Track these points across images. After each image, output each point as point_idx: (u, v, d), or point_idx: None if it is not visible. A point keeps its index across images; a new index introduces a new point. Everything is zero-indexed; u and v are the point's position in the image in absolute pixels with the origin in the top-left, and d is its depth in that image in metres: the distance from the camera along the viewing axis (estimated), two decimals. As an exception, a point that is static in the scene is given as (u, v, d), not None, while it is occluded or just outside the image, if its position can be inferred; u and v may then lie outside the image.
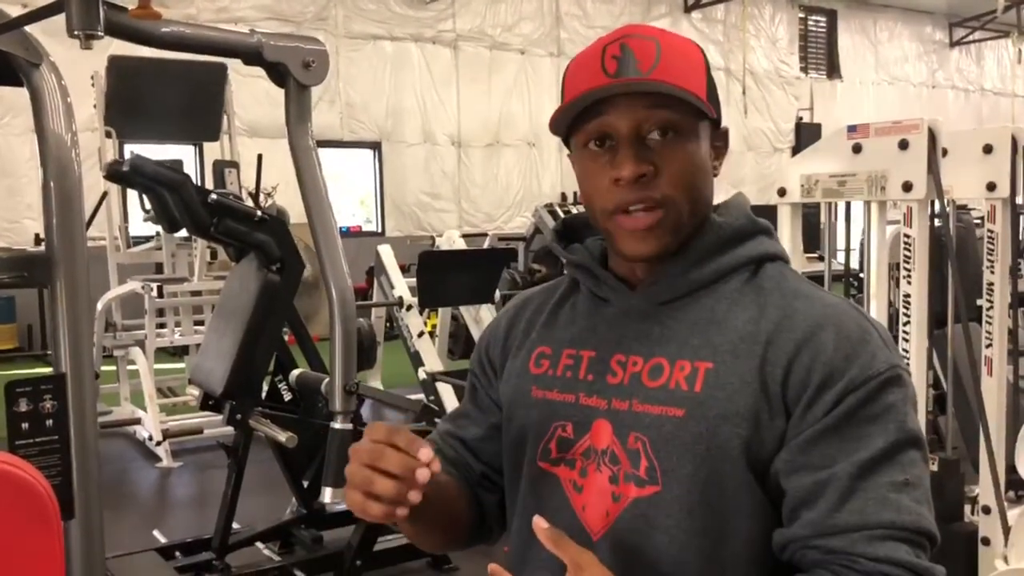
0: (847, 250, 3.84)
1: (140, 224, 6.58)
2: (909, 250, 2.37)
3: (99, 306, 5.76)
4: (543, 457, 1.07)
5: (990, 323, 2.69)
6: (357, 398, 2.17)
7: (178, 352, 7.05)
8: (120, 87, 6.01)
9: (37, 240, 8.34)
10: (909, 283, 2.38)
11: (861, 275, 3.22)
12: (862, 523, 0.93)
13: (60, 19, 1.73)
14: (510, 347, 1.16)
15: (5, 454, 1.09)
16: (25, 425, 1.60)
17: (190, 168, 8.77)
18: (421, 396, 5.38)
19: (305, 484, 3.60)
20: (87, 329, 1.74)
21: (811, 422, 0.96)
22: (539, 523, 0.93)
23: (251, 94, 8.37)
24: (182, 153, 8.15)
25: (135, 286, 5.82)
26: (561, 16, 12.68)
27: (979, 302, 2.79)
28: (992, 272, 2.69)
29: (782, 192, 2.62)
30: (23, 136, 8.80)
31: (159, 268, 6.55)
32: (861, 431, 0.95)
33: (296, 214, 3.61)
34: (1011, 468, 2.61)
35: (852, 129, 2.43)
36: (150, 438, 5.50)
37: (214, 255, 6.26)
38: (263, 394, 3.45)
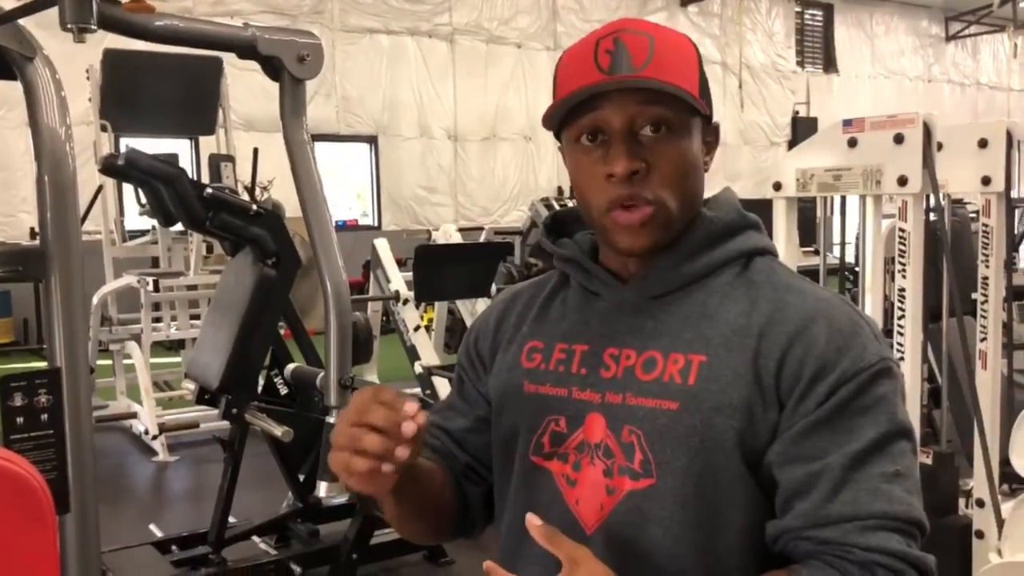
0: (842, 244, 3.85)
1: (136, 218, 6.57)
2: (904, 244, 2.37)
3: (95, 300, 5.75)
4: (536, 451, 1.07)
5: (985, 317, 2.69)
6: (352, 392, 2.18)
7: (174, 346, 7.05)
8: (115, 81, 5.99)
9: (32, 234, 8.33)
10: (904, 277, 2.38)
11: (856, 269, 3.23)
12: (854, 513, 0.94)
13: (54, 12, 1.72)
14: (500, 341, 1.16)
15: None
16: (20, 420, 1.60)
17: (186, 162, 8.75)
18: (417, 390, 5.38)
19: (301, 478, 3.60)
20: (82, 323, 1.74)
21: (804, 414, 0.97)
22: (532, 520, 0.93)
23: (247, 88, 8.35)
24: (178, 147, 8.12)
25: (131, 280, 5.81)
26: (558, 10, 12.66)
27: (974, 296, 2.79)
28: (987, 266, 2.69)
29: (778, 186, 2.62)
30: (18, 130, 8.79)
31: (155, 262, 6.54)
32: (853, 423, 0.96)
33: (292, 208, 3.61)
34: (1005, 461, 2.62)
35: (847, 123, 2.43)
36: (146, 432, 5.49)
37: (210, 249, 6.26)
38: (259, 388, 3.45)
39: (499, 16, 12.25)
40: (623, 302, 1.07)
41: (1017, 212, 7.14)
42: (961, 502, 2.95)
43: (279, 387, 3.53)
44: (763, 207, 2.64)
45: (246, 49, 1.97)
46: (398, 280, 5.85)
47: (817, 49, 15.70)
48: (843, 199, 3.10)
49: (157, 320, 6.28)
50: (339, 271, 2.07)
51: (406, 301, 5.73)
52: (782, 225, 2.64)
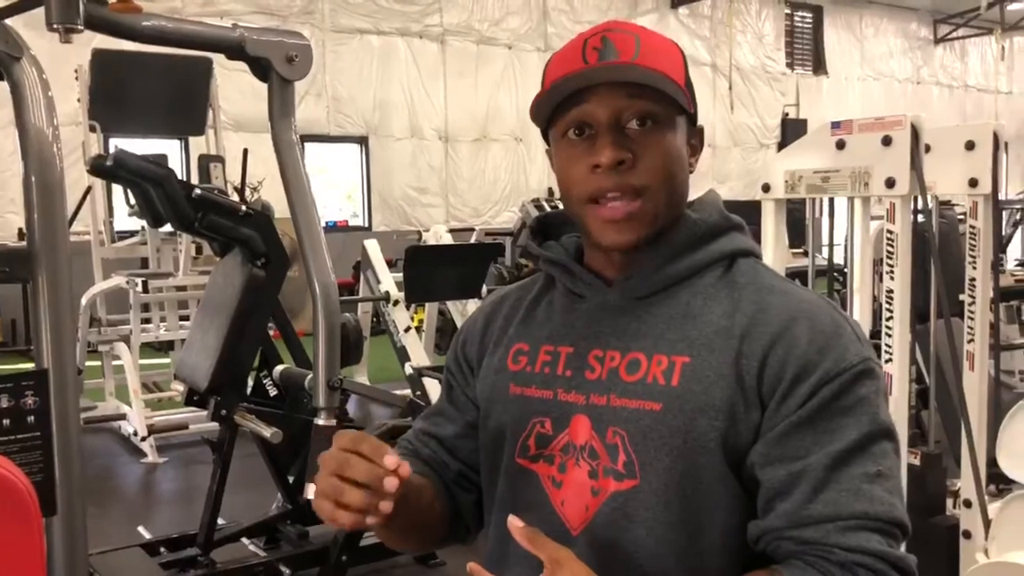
0: (831, 245, 3.86)
1: (125, 219, 6.54)
2: (892, 246, 2.38)
3: (84, 301, 5.73)
4: (522, 454, 1.07)
5: (972, 318, 2.71)
6: (342, 393, 2.17)
7: (163, 347, 7.02)
8: (104, 81, 5.97)
9: (21, 235, 8.28)
10: (892, 278, 2.39)
11: (845, 271, 3.23)
12: (835, 514, 0.94)
13: (42, 12, 1.71)
14: (487, 344, 1.16)
15: (-16, 451, 1.08)
16: (6, 421, 1.59)
17: (175, 163, 8.72)
18: (407, 391, 5.37)
19: (290, 479, 3.59)
20: (70, 324, 1.73)
21: (785, 414, 0.97)
22: (514, 522, 0.93)
23: (237, 88, 8.32)
24: (167, 147, 8.08)
25: (120, 281, 5.79)
26: (548, 11, 12.67)
27: (961, 297, 2.80)
28: (974, 268, 2.70)
29: (767, 188, 2.62)
30: (6, 130, 8.73)
31: (144, 263, 6.51)
32: (834, 423, 0.96)
33: (281, 209, 3.60)
34: (992, 462, 2.63)
35: (836, 125, 2.44)
36: (135, 433, 5.47)
37: (199, 250, 6.24)
38: (248, 389, 3.44)
39: (490, 17, 12.25)
40: (607, 304, 1.07)
41: (1004, 214, 7.20)
42: (948, 502, 2.97)
43: (268, 388, 3.52)
44: (752, 208, 2.66)
45: (234, 50, 1.97)
46: (388, 281, 5.84)
47: (807, 51, 15.76)
48: (832, 201, 3.11)
49: (146, 321, 6.26)
50: (328, 272, 2.06)
51: (396, 302, 5.73)
52: (771, 227, 2.65)
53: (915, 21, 16.94)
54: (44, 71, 1.70)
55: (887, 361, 2.41)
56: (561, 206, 1.11)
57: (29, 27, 1.75)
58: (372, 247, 6.06)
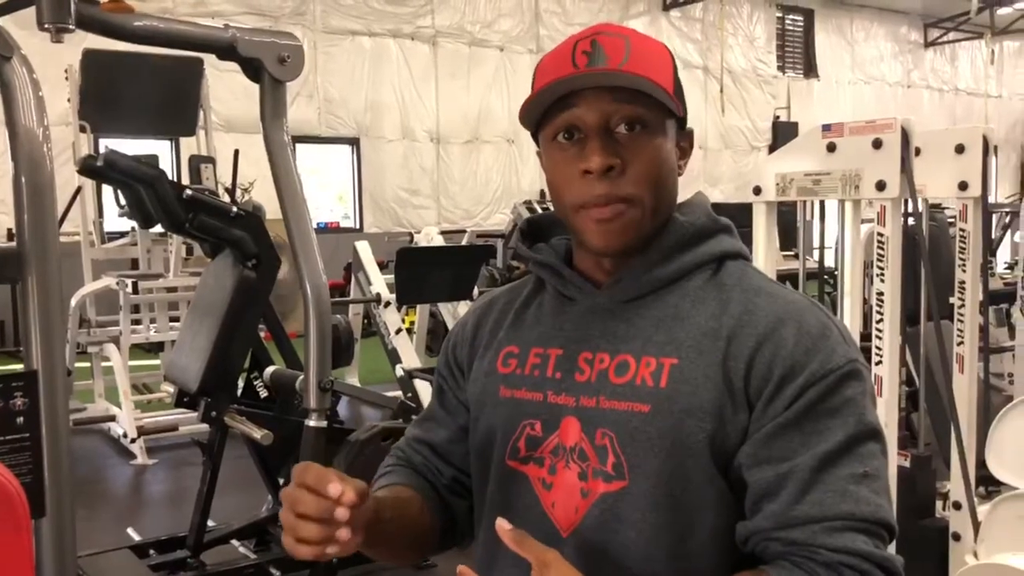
0: (822, 248, 3.87)
1: (115, 219, 6.52)
2: (883, 248, 2.39)
3: (73, 302, 5.71)
4: (512, 456, 1.07)
5: (962, 321, 2.72)
6: (333, 395, 2.17)
7: (153, 349, 6.99)
8: (95, 81, 5.94)
9: (9, 235, 8.24)
10: (883, 281, 2.40)
11: (836, 273, 3.25)
12: (822, 515, 0.94)
13: (33, 12, 1.71)
14: (477, 347, 1.16)
15: (-27, 452, 1.08)
16: (-5, 422, 1.58)
17: (166, 163, 8.70)
18: (398, 393, 5.36)
19: (280, 481, 3.58)
20: (59, 326, 1.72)
21: (772, 416, 0.98)
22: (502, 525, 0.93)
23: (228, 89, 8.30)
24: (158, 148, 8.06)
25: (110, 282, 5.76)
26: (540, 13, 12.67)
27: (951, 300, 2.82)
28: (964, 270, 2.71)
29: (757, 190, 2.63)
30: (-5, 130, 8.69)
31: (134, 264, 6.49)
32: (821, 424, 0.97)
33: (272, 210, 3.59)
34: (981, 464, 2.64)
35: (827, 128, 2.45)
36: (125, 435, 5.45)
37: (190, 251, 6.22)
38: (238, 391, 3.43)
39: (482, 19, 12.25)
40: (597, 306, 1.08)
41: (994, 217, 7.23)
42: (938, 504, 2.98)
43: (259, 390, 3.51)
44: (743, 211, 2.66)
45: (226, 50, 1.96)
46: (380, 283, 5.83)
47: (798, 54, 15.80)
48: (822, 203, 3.12)
49: (136, 322, 6.23)
50: (319, 273, 2.06)
51: (387, 304, 5.72)
52: (762, 229, 2.65)
53: (905, 25, 17.01)
54: (35, 71, 1.70)
55: (877, 363, 2.42)
56: (552, 208, 1.12)
57: (20, 26, 1.75)
58: (363, 249, 6.05)
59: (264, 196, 6.53)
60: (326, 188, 11.59)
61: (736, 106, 14.54)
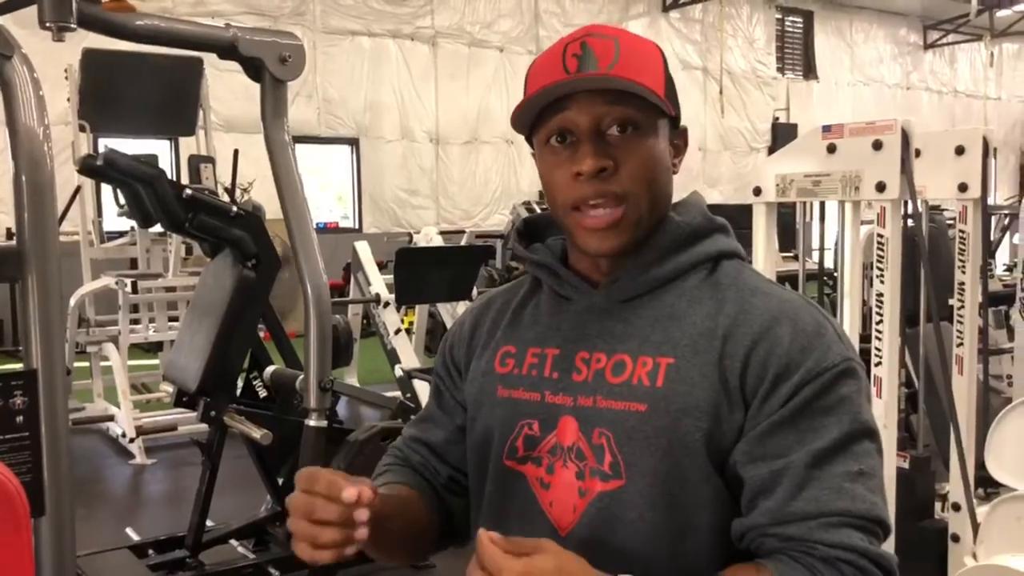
0: (821, 249, 3.88)
1: (114, 219, 6.52)
2: (882, 250, 2.39)
3: (72, 301, 5.70)
4: (510, 455, 1.08)
5: (961, 322, 2.72)
6: (332, 395, 2.17)
7: (152, 348, 6.99)
8: (94, 81, 5.94)
9: (9, 234, 8.23)
10: (882, 282, 2.40)
11: (835, 274, 3.25)
12: (818, 511, 0.95)
13: (33, 11, 1.71)
14: (475, 348, 1.17)
15: (-27, 451, 1.08)
16: (-5, 421, 1.58)
17: (165, 163, 8.70)
18: (397, 393, 5.36)
19: (280, 481, 3.58)
20: (59, 325, 1.72)
21: (768, 413, 0.98)
22: (483, 537, 0.90)
23: (228, 88, 8.30)
24: (157, 148, 8.06)
25: (109, 281, 5.76)
26: (540, 14, 12.68)
27: (950, 302, 2.82)
28: (963, 272, 2.72)
29: (757, 191, 2.63)
30: (-5, 129, 8.69)
31: (133, 263, 6.49)
32: (816, 422, 0.98)
33: (272, 210, 3.59)
34: (981, 465, 2.64)
35: (827, 129, 2.45)
36: (123, 435, 5.45)
37: (189, 251, 6.22)
38: (238, 391, 3.43)
39: (481, 20, 12.25)
40: (593, 306, 1.08)
41: (993, 219, 7.23)
42: (937, 506, 2.98)
43: (258, 390, 3.51)
44: (743, 212, 2.67)
45: (227, 50, 1.96)
46: (379, 283, 5.83)
47: (797, 56, 15.81)
48: (822, 205, 3.13)
49: (135, 322, 6.23)
50: (320, 273, 2.06)
51: (387, 304, 5.72)
52: (762, 230, 2.65)
53: (905, 27, 17.02)
54: (35, 70, 1.70)
55: (877, 365, 2.42)
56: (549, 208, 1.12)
57: (20, 25, 1.75)
58: (363, 249, 6.05)
59: (263, 196, 6.54)
60: (325, 188, 11.59)
61: (735, 107, 14.55)
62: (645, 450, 0.99)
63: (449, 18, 11.99)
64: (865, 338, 2.64)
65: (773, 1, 15.07)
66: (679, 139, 1.09)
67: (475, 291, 5.50)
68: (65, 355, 1.80)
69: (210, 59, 2.27)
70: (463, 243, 8.01)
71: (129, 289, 5.60)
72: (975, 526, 2.52)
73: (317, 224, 2.23)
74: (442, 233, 7.45)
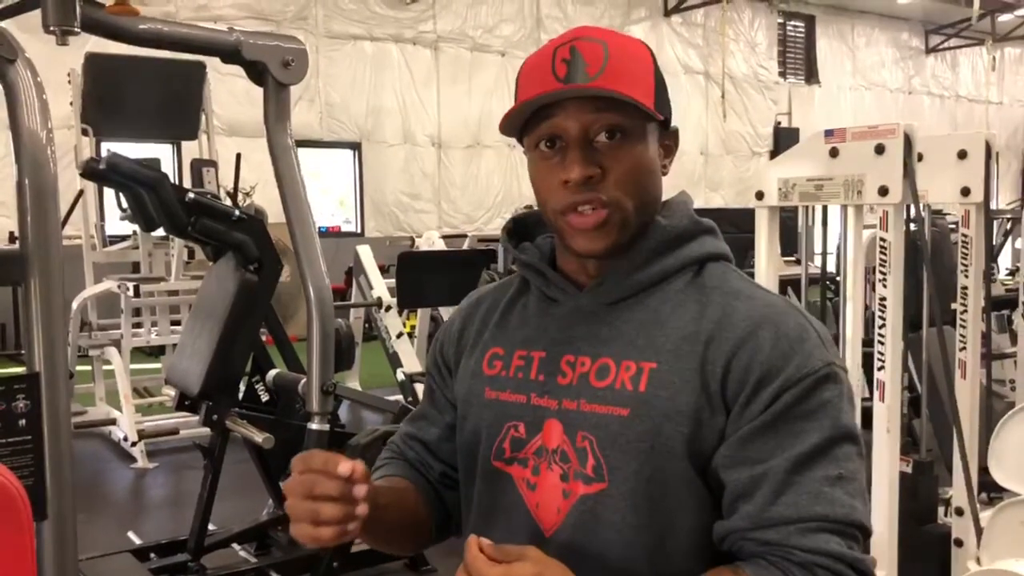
0: (824, 253, 3.87)
1: (117, 223, 6.51)
2: (885, 254, 2.39)
3: (74, 305, 5.71)
4: (497, 456, 1.10)
5: (964, 327, 2.72)
6: (334, 399, 2.17)
7: (154, 352, 6.99)
8: (97, 85, 5.95)
9: (11, 238, 8.24)
10: (885, 286, 2.39)
11: (837, 278, 3.24)
12: (796, 516, 0.96)
13: (36, 15, 1.71)
14: (464, 347, 1.19)
15: (-24, 454, 1.08)
16: (-3, 425, 1.58)
17: (168, 167, 8.70)
18: (399, 397, 5.36)
19: (282, 485, 3.57)
20: (61, 328, 1.72)
21: (749, 418, 0.99)
22: (472, 543, 0.92)
23: (230, 92, 8.31)
24: (160, 152, 8.07)
25: (111, 285, 5.76)
26: (542, 18, 12.69)
27: (953, 306, 2.81)
28: (966, 276, 2.71)
29: (760, 195, 2.63)
30: (-2, 133, 8.70)
31: (136, 267, 6.49)
32: (796, 427, 0.98)
33: (274, 214, 3.59)
34: (984, 470, 2.63)
35: (829, 133, 2.45)
36: (125, 439, 5.45)
37: (191, 254, 6.22)
38: (240, 395, 3.43)
39: (483, 24, 12.27)
40: (579, 308, 1.10)
41: (995, 223, 7.23)
42: (940, 510, 2.97)
43: (260, 393, 3.51)
44: (745, 216, 2.67)
45: (231, 53, 1.97)
46: (381, 287, 5.83)
47: (799, 60, 15.82)
48: (824, 209, 3.12)
49: (137, 326, 6.23)
50: (322, 277, 2.06)
51: (388, 308, 5.72)
52: (764, 234, 2.65)
53: (907, 31, 17.03)
54: (39, 74, 1.70)
55: (880, 369, 2.41)
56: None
57: (23, 30, 1.75)
58: (365, 253, 6.05)
59: (266, 200, 6.55)
60: (327, 192, 11.60)
61: (737, 112, 14.55)
62: (627, 454, 1.01)
63: (451, 23, 12.01)
64: (868, 342, 2.64)
65: (775, 5, 15.08)
66: (670, 140, 1.10)
67: (477, 295, 5.48)
68: (67, 359, 1.80)
69: (212, 63, 2.28)
70: (465, 247, 8.00)
71: (131, 293, 5.61)
72: (978, 531, 2.51)
73: (319, 228, 2.23)
74: (444, 237, 7.45)
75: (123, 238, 6.81)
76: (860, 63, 16.38)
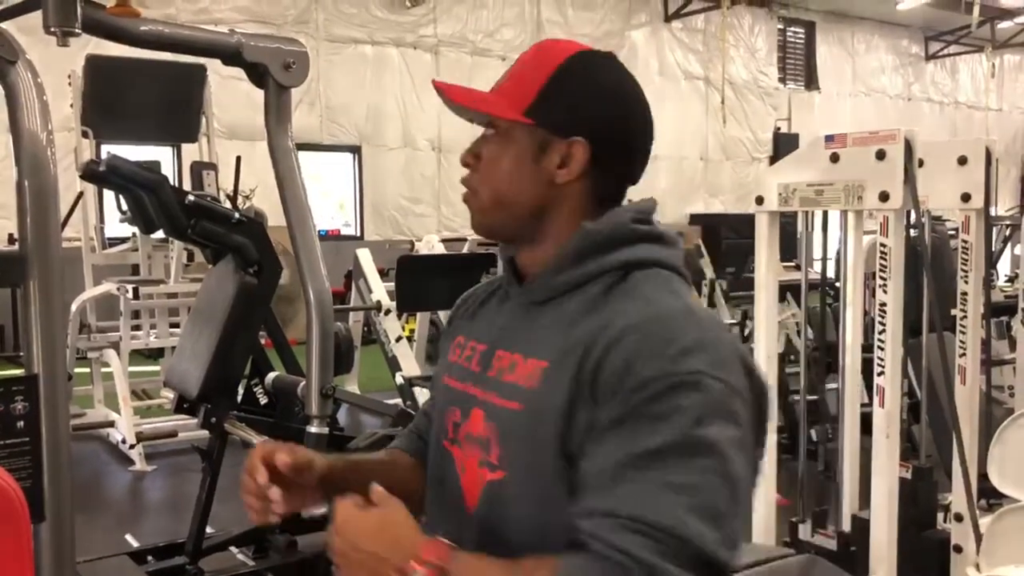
0: (824, 259, 3.87)
1: (116, 225, 6.51)
2: (885, 260, 2.39)
3: (73, 307, 5.70)
4: (443, 437, 1.21)
5: (964, 332, 2.72)
6: (333, 402, 2.16)
7: (153, 354, 6.98)
8: (97, 87, 5.95)
9: (11, 240, 8.23)
10: (885, 292, 2.39)
11: (837, 284, 3.24)
12: (613, 510, 0.95)
13: (36, 17, 1.71)
14: (449, 335, 1.31)
15: (-26, 455, 1.07)
16: (-5, 426, 1.58)
17: (168, 169, 8.68)
18: (398, 401, 5.35)
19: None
20: (60, 330, 1.72)
21: (606, 416, 1.01)
22: (375, 488, 1.06)
23: (230, 95, 8.30)
24: (160, 154, 8.08)
25: (110, 287, 5.76)
26: (543, 23, 12.70)
27: (953, 312, 2.82)
28: (966, 282, 2.72)
29: (760, 201, 2.63)
30: (-2, 135, 8.70)
31: (135, 270, 6.48)
32: (642, 427, 0.98)
33: (274, 217, 3.59)
34: (983, 476, 2.64)
35: (830, 139, 2.45)
36: (123, 441, 5.44)
37: (191, 257, 6.21)
38: (239, 397, 3.43)
39: (484, 29, 12.28)
40: (516, 306, 1.19)
41: (995, 229, 7.22)
42: (940, 516, 2.97)
43: (259, 396, 3.50)
44: (745, 221, 2.66)
45: (232, 56, 1.97)
46: (380, 290, 5.83)
47: (799, 66, 15.84)
48: (824, 214, 3.12)
49: (136, 328, 6.23)
50: (322, 280, 2.06)
51: (388, 311, 5.72)
52: (764, 239, 2.66)
53: (906, 38, 17.05)
54: (39, 75, 1.70)
55: (879, 374, 2.41)
56: None
57: (23, 32, 1.75)
58: (364, 256, 6.05)
59: (265, 203, 6.55)
60: (327, 196, 11.60)
61: (737, 117, 14.56)
62: (518, 446, 1.09)
63: (452, 27, 12.02)
64: (867, 348, 2.64)
65: (775, 11, 15.10)
66: (565, 151, 1.14)
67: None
68: (66, 360, 1.80)
69: (213, 66, 2.28)
70: (465, 251, 8.00)
71: (130, 295, 5.60)
72: (978, 537, 2.51)
73: (319, 231, 2.22)
74: (444, 241, 7.46)
75: (123, 240, 6.80)
76: (860, 69, 16.40)
